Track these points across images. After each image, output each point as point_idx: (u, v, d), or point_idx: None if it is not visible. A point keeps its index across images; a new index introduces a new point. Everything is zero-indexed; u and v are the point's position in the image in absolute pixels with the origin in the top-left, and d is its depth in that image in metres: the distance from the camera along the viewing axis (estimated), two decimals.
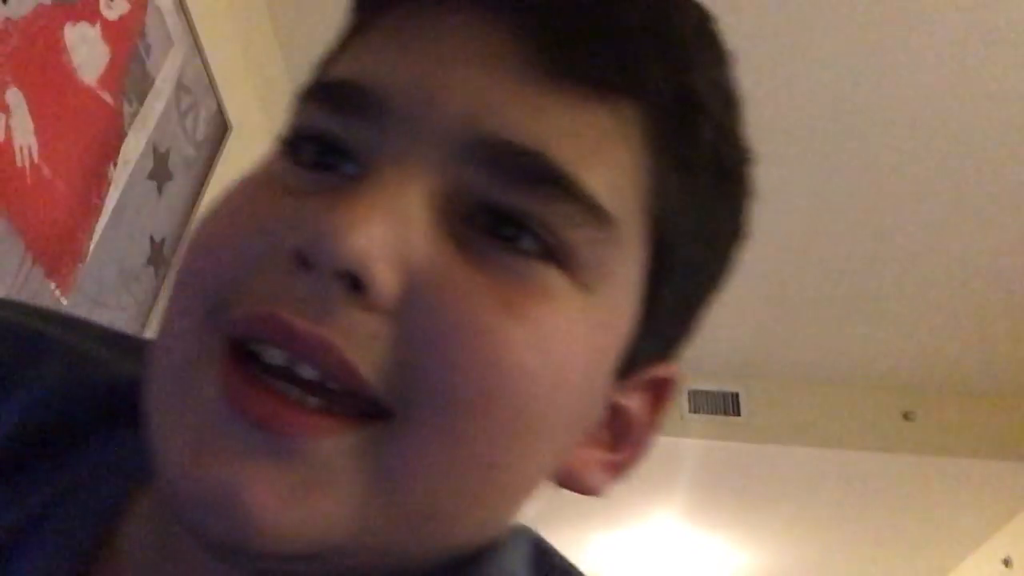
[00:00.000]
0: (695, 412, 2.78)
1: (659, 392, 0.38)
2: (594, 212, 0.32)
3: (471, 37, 0.33)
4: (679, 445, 2.72)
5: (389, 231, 0.29)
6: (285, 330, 0.29)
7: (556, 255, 0.31)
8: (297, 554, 0.29)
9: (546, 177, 0.31)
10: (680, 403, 2.74)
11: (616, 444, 0.38)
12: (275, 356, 0.29)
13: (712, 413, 2.79)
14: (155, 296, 1.59)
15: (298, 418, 0.29)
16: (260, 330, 0.29)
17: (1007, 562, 3.01)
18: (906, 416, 2.75)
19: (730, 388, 2.83)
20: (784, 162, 1.99)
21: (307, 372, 0.29)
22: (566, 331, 0.31)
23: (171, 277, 1.62)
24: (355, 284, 0.29)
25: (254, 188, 0.33)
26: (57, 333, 0.43)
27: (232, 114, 1.77)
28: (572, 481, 0.36)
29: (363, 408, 0.29)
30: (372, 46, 0.34)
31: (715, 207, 0.36)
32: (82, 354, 0.42)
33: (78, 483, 0.39)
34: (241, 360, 0.30)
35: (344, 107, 0.32)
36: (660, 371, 0.38)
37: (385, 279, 0.29)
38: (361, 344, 0.29)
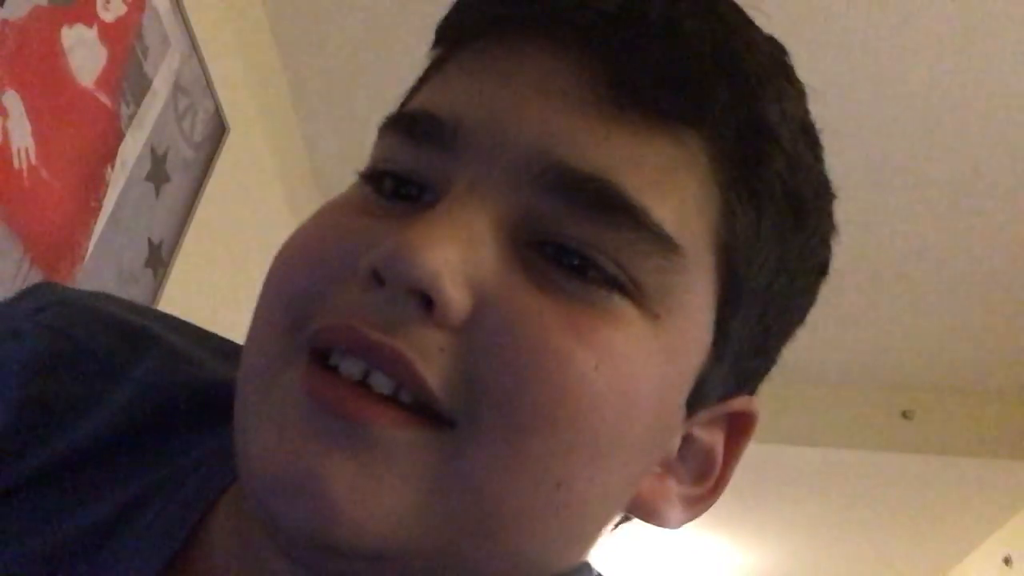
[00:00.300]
0: None
1: (738, 426, 0.38)
2: (661, 240, 0.32)
3: (541, 70, 0.34)
4: None
5: (459, 252, 0.31)
6: (360, 339, 0.31)
7: (623, 283, 0.32)
8: (363, 548, 0.30)
9: (612, 205, 0.32)
10: None
11: (694, 478, 0.38)
12: (351, 368, 0.31)
13: None
14: (153, 297, 1.59)
15: (371, 406, 0.30)
16: (338, 339, 0.31)
17: (1007, 560, 3.01)
18: (905, 415, 2.75)
19: None
20: None
21: (381, 384, 0.31)
22: (633, 356, 0.32)
23: (170, 279, 1.62)
24: (426, 302, 0.30)
25: (337, 209, 0.35)
26: (161, 331, 0.45)
27: (229, 115, 1.77)
28: (645, 512, 0.37)
29: (430, 416, 0.31)
30: (448, 78, 0.36)
31: (789, 239, 0.36)
32: (182, 354, 0.44)
33: (171, 478, 0.40)
34: (321, 368, 0.32)
35: (420, 136, 0.34)
36: (738, 404, 0.38)
37: (454, 297, 0.30)
38: (429, 356, 0.30)
